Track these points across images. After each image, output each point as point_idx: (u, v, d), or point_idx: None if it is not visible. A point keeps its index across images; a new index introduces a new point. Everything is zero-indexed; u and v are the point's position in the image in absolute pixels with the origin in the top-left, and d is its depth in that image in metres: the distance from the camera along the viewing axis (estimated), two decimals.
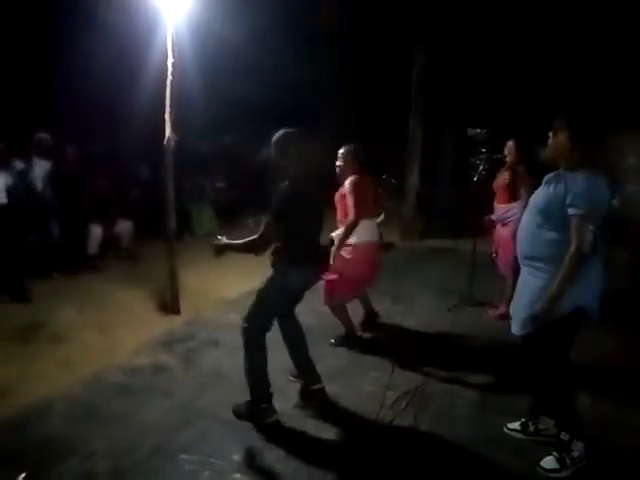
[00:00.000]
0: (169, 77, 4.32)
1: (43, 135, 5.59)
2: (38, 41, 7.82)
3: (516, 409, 2.97)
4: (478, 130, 5.23)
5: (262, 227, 2.84)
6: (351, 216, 3.74)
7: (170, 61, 4.30)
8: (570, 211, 2.35)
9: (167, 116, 4.39)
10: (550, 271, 2.42)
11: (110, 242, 6.29)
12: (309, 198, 2.95)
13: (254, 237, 2.84)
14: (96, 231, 5.97)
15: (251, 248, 2.89)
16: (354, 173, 3.89)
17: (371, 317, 4.40)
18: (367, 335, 4.24)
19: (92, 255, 5.94)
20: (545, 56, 8.70)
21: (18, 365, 3.59)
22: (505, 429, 2.87)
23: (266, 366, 2.96)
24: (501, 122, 6.60)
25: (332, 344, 3.98)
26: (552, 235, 2.43)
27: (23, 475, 1.74)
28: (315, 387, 3.17)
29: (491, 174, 4.91)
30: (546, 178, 2.56)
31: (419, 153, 8.26)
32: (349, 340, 4.02)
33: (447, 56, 8.40)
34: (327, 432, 2.91)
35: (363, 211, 3.79)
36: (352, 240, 3.83)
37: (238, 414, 2.96)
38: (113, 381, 3.44)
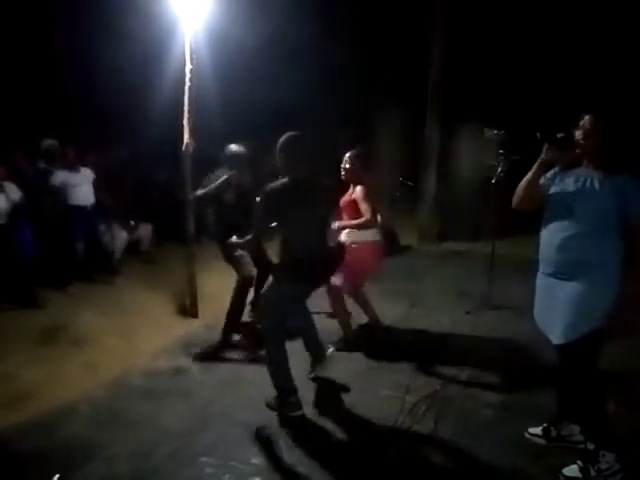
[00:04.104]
0: (187, 84, 4.38)
1: (50, 142, 5.57)
2: (59, 47, 7.98)
3: (537, 414, 2.93)
4: (496, 131, 5.16)
5: (253, 225, 3.04)
6: (367, 216, 3.76)
7: (188, 68, 4.36)
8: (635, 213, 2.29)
9: (185, 122, 4.44)
10: (594, 277, 2.35)
11: (131, 246, 6.38)
12: (305, 199, 2.95)
13: (250, 236, 3.14)
14: (121, 235, 6.07)
15: (251, 244, 3.22)
16: (361, 177, 3.89)
17: (376, 326, 4.31)
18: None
19: (116, 259, 6.02)
20: (565, 55, 8.57)
21: (42, 368, 3.66)
22: (526, 434, 2.83)
23: (286, 362, 3.01)
24: (519, 123, 6.52)
25: (334, 350, 3.91)
26: (594, 239, 2.35)
27: (57, 477, 1.78)
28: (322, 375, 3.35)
29: (510, 175, 4.85)
30: (574, 178, 2.45)
31: (436, 154, 8.20)
32: (348, 345, 3.99)
33: (465, 56, 8.33)
34: (345, 436, 2.91)
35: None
36: (357, 238, 3.86)
37: (270, 407, 3.07)
38: (134, 384, 3.49)
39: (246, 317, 4.39)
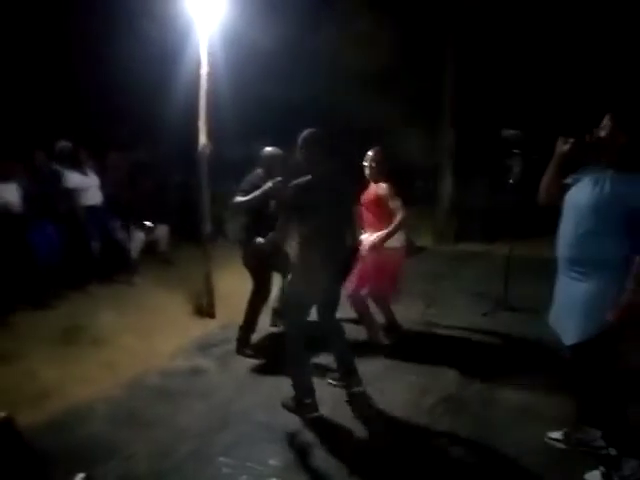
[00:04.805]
0: (203, 86, 4.41)
1: (64, 143, 5.63)
2: (77, 50, 8.11)
3: (556, 418, 2.89)
4: (512, 131, 5.10)
5: (279, 221, 3.01)
6: (399, 216, 3.71)
7: (204, 71, 4.40)
8: None
9: (201, 124, 4.48)
10: (602, 276, 2.33)
11: (148, 247, 6.44)
12: (328, 196, 2.95)
13: (274, 232, 3.09)
14: (138, 236, 6.14)
15: (273, 242, 3.20)
16: (383, 176, 3.86)
17: (393, 326, 4.31)
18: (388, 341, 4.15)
19: (133, 259, 6.08)
20: (581, 54, 8.45)
21: (62, 367, 3.72)
22: (546, 438, 2.79)
23: (306, 363, 3.04)
24: (536, 122, 6.45)
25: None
26: (603, 238, 2.33)
27: (82, 475, 1.80)
28: (356, 390, 3.19)
29: (527, 175, 4.80)
30: (590, 177, 2.44)
31: (452, 155, 8.16)
32: (373, 346, 3.98)
33: (480, 55, 8.26)
34: (362, 437, 2.90)
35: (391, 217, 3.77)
36: (393, 244, 3.81)
37: (286, 407, 3.07)
38: (152, 384, 3.53)
39: (266, 323, 4.39)
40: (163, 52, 6.68)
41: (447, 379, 3.54)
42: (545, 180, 2.65)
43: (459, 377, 3.57)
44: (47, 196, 5.26)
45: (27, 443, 1.67)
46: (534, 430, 2.88)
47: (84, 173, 5.63)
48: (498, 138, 5.18)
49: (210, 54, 4.41)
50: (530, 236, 6.26)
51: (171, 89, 6.18)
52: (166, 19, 5.24)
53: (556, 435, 2.78)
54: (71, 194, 5.48)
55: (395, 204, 3.73)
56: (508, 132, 5.02)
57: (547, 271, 2.80)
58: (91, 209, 5.64)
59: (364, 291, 3.90)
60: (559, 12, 8.29)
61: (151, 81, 7.62)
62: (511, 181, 4.94)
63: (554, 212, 2.68)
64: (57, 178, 5.44)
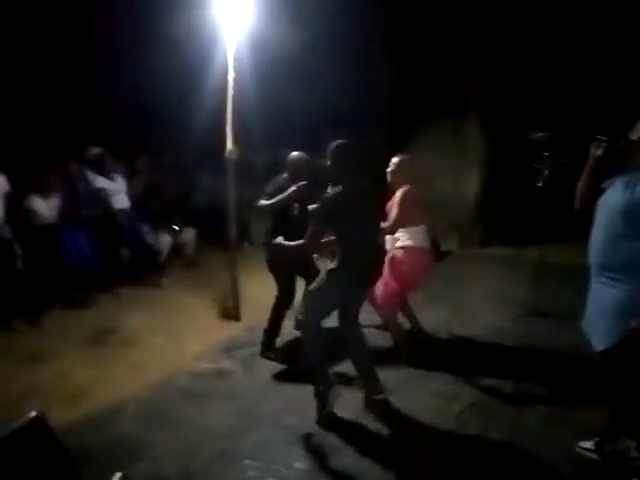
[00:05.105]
0: (230, 92, 4.47)
1: (97, 150, 5.74)
2: (105, 56, 8.32)
3: (588, 427, 2.82)
4: (540, 133, 5.01)
5: (309, 230, 2.98)
6: (389, 224, 3.78)
7: (231, 76, 4.45)
8: None
9: (228, 129, 4.54)
10: (631, 281, 2.28)
11: (175, 250, 6.54)
12: (360, 205, 3.01)
13: (303, 240, 3.03)
14: (165, 239, 6.24)
15: (301, 249, 3.13)
16: (405, 183, 3.87)
17: (418, 331, 4.27)
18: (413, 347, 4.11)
19: (161, 262, 6.18)
20: (613, 55, 8.25)
21: (93, 368, 3.80)
22: (577, 448, 2.72)
23: (324, 362, 3.09)
24: (565, 125, 6.31)
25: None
26: (633, 242, 2.29)
27: (119, 475, 1.83)
28: (377, 397, 3.16)
29: (556, 179, 4.71)
30: (621, 180, 2.41)
31: (478, 157, 8.05)
32: (398, 352, 3.94)
33: (507, 54, 8.13)
34: (388, 442, 2.88)
35: (412, 219, 3.81)
36: (405, 243, 3.84)
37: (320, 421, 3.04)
38: (179, 385, 3.58)
39: (291, 327, 4.40)
40: (191, 58, 6.79)
41: (475, 386, 3.48)
42: (580, 184, 2.63)
43: (487, 384, 3.51)
44: (79, 202, 5.40)
45: (59, 442, 1.71)
46: (565, 439, 2.81)
47: (112, 178, 5.75)
48: (526, 140, 5.10)
49: (237, 60, 4.47)
50: (559, 240, 6.12)
51: (198, 94, 6.27)
52: (194, 25, 5.33)
53: (588, 445, 2.70)
54: (102, 198, 5.61)
55: (394, 213, 3.77)
56: (537, 135, 4.94)
57: (578, 276, 2.74)
58: (120, 213, 5.75)
59: (390, 297, 3.88)
60: (591, 12, 8.11)
61: (179, 86, 7.76)
62: (540, 184, 4.86)
63: (585, 216, 2.64)
64: (88, 183, 5.58)
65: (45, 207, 5.13)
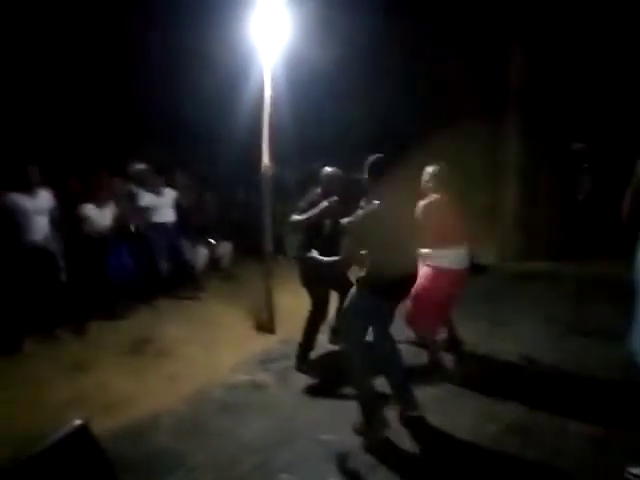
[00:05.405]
0: (266, 109, 4.56)
1: (140, 166, 5.91)
2: (145, 75, 8.62)
3: (638, 451, 2.68)
4: (583, 145, 4.90)
5: (345, 245, 2.99)
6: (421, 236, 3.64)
7: (267, 94, 4.54)
8: None
9: (264, 145, 4.62)
10: None
11: (211, 263, 6.66)
12: (395, 220, 2.98)
13: (339, 256, 3.05)
14: (202, 252, 6.37)
15: (335, 265, 3.17)
16: (439, 192, 3.80)
17: (454, 343, 4.21)
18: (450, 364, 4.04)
19: (198, 275, 6.29)
20: None
21: (131, 378, 3.90)
22: (625, 474, 2.60)
23: (371, 382, 3.01)
24: (608, 136, 6.14)
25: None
26: None
27: None
28: (412, 414, 3.11)
29: (597, 190, 4.58)
30: None
31: (517, 169, 7.88)
32: (434, 369, 3.88)
33: (546, 66, 7.97)
34: (425, 461, 2.83)
35: (449, 237, 3.70)
36: (438, 263, 3.74)
37: (356, 431, 3.02)
38: (215, 397, 3.61)
39: (325, 341, 4.40)
40: (228, 76, 6.97)
41: (513, 406, 3.37)
42: (626, 201, 2.57)
43: (526, 404, 3.39)
44: (123, 216, 5.56)
45: (102, 450, 1.75)
46: (611, 464, 2.69)
47: (158, 192, 5.90)
48: (567, 151, 4.99)
49: (273, 78, 4.56)
50: (601, 255, 5.92)
51: (234, 111, 6.42)
52: (231, 45, 5.48)
53: (637, 471, 2.58)
54: (142, 213, 5.76)
55: (422, 222, 3.64)
56: (579, 146, 4.84)
57: (624, 292, 2.64)
58: (162, 227, 5.89)
59: (422, 315, 3.82)
60: (635, 20, 7.89)
61: (216, 104, 7.96)
62: (581, 197, 4.74)
63: (629, 229, 2.55)
64: (132, 198, 5.75)
65: (99, 215, 5.26)
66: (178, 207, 6.13)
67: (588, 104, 7.94)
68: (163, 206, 5.93)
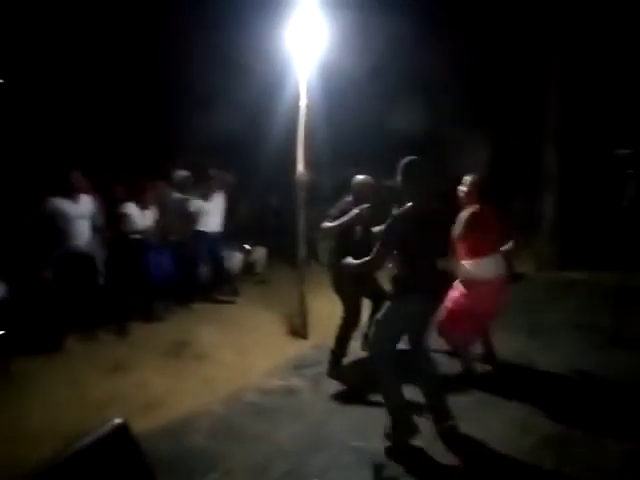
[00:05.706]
0: (301, 117, 4.63)
1: (183, 173, 6.02)
2: (181, 82, 8.89)
3: None
4: (626, 151, 4.74)
5: (375, 248, 2.98)
6: (456, 248, 3.64)
7: (303, 102, 4.62)
8: None
9: (299, 153, 4.69)
10: None
11: (246, 268, 6.78)
12: (428, 224, 2.94)
13: (369, 257, 3.01)
14: (237, 258, 6.49)
15: (366, 267, 3.11)
16: (478, 202, 3.74)
17: (490, 355, 4.11)
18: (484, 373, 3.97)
19: (233, 280, 6.39)
20: None
21: (168, 379, 4.01)
22: None
23: (399, 390, 3.00)
24: None
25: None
26: None
27: None
28: (447, 424, 3.09)
29: None
30: None
31: (555, 176, 7.70)
32: (467, 379, 3.82)
33: (587, 66, 7.76)
34: (457, 470, 2.80)
35: (482, 247, 3.65)
36: (473, 275, 3.67)
37: (387, 438, 3.01)
38: (249, 401, 3.68)
39: (357, 347, 4.40)
40: (264, 85, 7.10)
41: (550, 417, 3.30)
42: None
43: (565, 415, 3.31)
44: (168, 226, 5.70)
45: (140, 450, 1.81)
46: None
47: (207, 198, 5.97)
48: (609, 158, 4.84)
49: (308, 87, 4.63)
50: None
51: (271, 119, 6.53)
52: (268, 54, 5.59)
53: None
54: (188, 219, 5.84)
55: (460, 233, 3.60)
56: (622, 152, 4.69)
57: None
58: (206, 235, 5.97)
59: (454, 325, 3.77)
60: None
61: (253, 111, 8.12)
62: (624, 204, 4.58)
63: None
64: (179, 205, 5.85)
65: (140, 215, 5.37)
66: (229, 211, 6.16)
67: (634, 109, 7.70)
68: (211, 212, 5.98)
